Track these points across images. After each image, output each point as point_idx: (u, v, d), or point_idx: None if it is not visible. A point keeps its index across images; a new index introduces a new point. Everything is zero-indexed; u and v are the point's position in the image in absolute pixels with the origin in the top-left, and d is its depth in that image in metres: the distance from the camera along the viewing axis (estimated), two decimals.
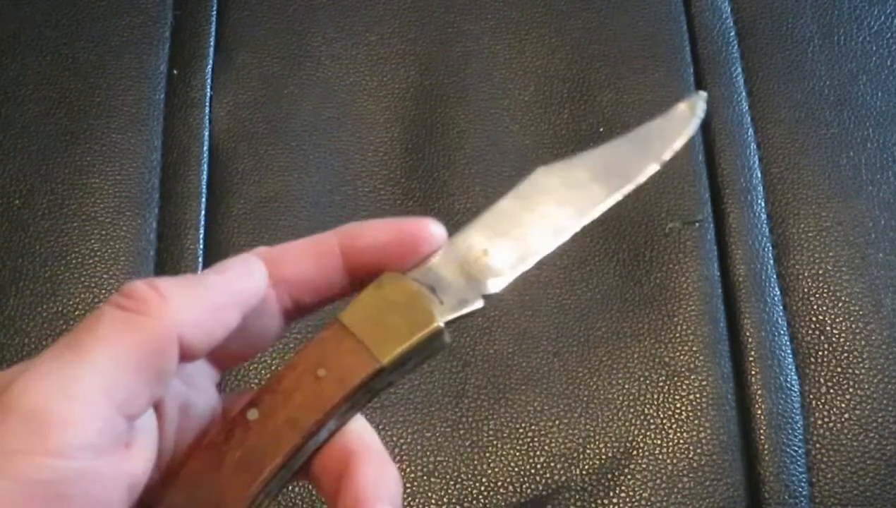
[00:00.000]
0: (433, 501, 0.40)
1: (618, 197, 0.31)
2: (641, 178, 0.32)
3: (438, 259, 0.30)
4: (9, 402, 0.25)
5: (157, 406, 0.28)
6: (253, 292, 0.29)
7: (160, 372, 0.27)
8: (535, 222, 0.31)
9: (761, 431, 0.41)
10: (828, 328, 0.43)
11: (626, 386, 0.42)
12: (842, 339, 0.43)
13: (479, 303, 0.30)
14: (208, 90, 0.49)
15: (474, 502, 0.40)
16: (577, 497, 0.40)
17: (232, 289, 0.28)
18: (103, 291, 0.45)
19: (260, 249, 0.30)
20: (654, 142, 0.32)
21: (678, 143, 0.32)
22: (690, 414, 0.41)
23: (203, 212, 0.47)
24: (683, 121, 0.33)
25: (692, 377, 0.42)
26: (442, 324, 0.29)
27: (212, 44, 0.51)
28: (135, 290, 0.27)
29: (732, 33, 0.50)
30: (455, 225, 0.44)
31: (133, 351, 0.26)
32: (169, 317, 0.27)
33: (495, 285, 0.30)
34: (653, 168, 0.32)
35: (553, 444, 0.41)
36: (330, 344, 0.28)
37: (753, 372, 0.42)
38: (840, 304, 0.43)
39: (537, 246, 0.31)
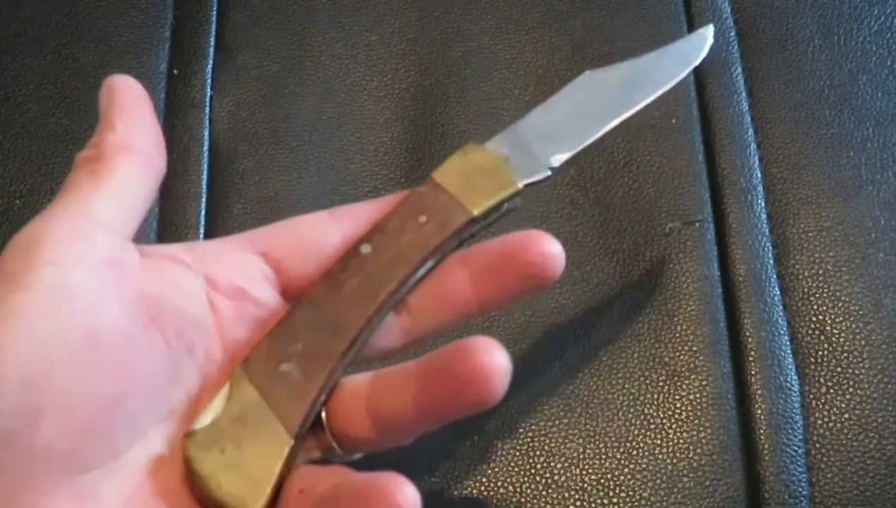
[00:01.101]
0: (433, 501, 0.40)
1: (649, 99, 0.39)
2: (668, 86, 0.39)
3: (507, 138, 0.37)
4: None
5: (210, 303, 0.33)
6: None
7: (129, 188, 0.32)
8: (583, 113, 0.38)
9: (761, 431, 0.41)
10: (828, 328, 0.43)
11: (626, 386, 0.42)
12: (842, 339, 0.43)
13: (547, 172, 0.36)
14: (208, 90, 0.49)
15: (474, 502, 0.40)
16: (577, 497, 0.40)
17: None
18: None
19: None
20: (675, 59, 0.41)
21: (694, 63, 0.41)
22: (690, 414, 0.41)
23: (203, 212, 0.47)
24: (700, 43, 0.41)
25: (692, 377, 0.42)
26: (521, 186, 0.35)
27: (212, 44, 0.51)
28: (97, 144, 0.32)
29: (732, 33, 0.50)
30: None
31: (95, 183, 0.31)
32: (116, 143, 0.32)
33: (557, 160, 0.36)
34: (676, 79, 0.40)
35: (553, 444, 0.41)
36: (428, 197, 0.34)
37: (753, 372, 0.42)
38: (840, 304, 0.43)
39: (588, 130, 0.37)
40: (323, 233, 0.35)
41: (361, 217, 0.35)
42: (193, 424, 0.31)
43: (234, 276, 0.33)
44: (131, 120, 0.33)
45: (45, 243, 0.29)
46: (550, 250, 0.33)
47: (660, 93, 0.39)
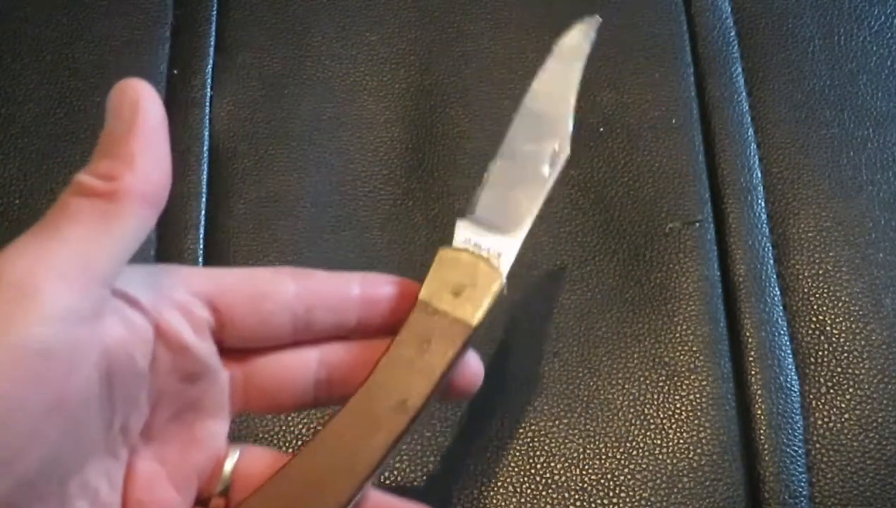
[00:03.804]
0: (433, 501, 0.40)
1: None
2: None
3: (469, 229, 0.36)
4: None
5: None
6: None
7: (130, 240, 0.30)
8: (521, 173, 0.37)
9: (761, 431, 0.41)
10: (828, 328, 0.43)
11: (626, 386, 0.42)
12: (842, 339, 0.43)
13: (518, 244, 0.35)
14: (208, 90, 0.49)
15: (474, 502, 0.40)
16: (577, 497, 0.40)
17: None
18: None
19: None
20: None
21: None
22: (690, 414, 0.41)
23: (203, 212, 0.47)
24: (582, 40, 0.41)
25: (692, 377, 0.42)
26: (504, 277, 0.34)
27: (212, 44, 0.51)
28: (100, 170, 0.30)
29: (732, 33, 0.50)
30: (455, 225, 0.43)
31: (103, 228, 0.29)
32: (133, 190, 0.30)
33: (520, 231, 0.36)
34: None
35: (553, 444, 0.41)
36: (423, 322, 0.33)
37: (753, 372, 0.42)
38: (840, 304, 0.43)
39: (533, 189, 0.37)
40: (280, 297, 0.34)
41: (321, 290, 0.34)
42: None
43: (184, 330, 0.32)
44: (151, 157, 0.30)
45: (40, 295, 0.28)
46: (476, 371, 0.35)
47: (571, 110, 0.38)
